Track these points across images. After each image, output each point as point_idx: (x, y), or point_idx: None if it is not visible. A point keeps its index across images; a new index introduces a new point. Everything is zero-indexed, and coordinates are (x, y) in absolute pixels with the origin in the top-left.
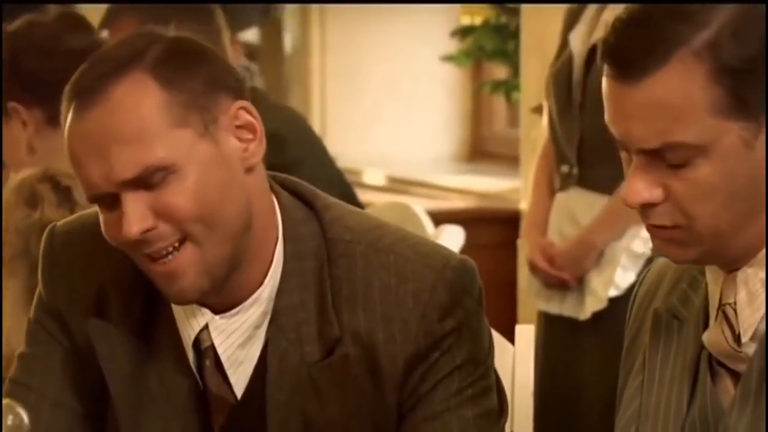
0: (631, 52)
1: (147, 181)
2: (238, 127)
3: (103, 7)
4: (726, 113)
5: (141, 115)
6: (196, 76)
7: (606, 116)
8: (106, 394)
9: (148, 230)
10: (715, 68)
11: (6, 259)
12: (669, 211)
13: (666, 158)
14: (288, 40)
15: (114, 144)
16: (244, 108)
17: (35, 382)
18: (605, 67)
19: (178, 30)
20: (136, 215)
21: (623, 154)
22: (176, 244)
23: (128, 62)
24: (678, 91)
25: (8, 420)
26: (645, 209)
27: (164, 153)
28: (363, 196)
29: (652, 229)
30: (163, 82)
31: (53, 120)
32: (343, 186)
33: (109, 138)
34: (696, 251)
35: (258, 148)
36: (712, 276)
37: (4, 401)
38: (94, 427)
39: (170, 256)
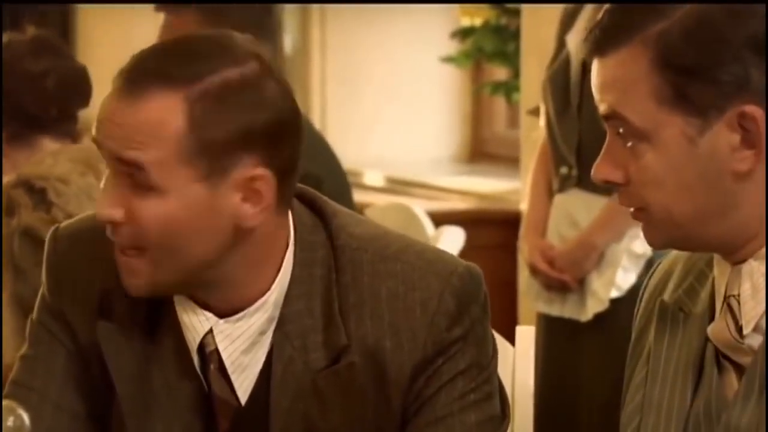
0: (601, 32)
1: (132, 175)
2: (248, 189)
3: (105, 8)
4: (668, 104)
5: (158, 134)
6: (227, 127)
7: None
8: (109, 395)
9: (113, 222)
10: (658, 58)
11: None
12: (631, 194)
13: (622, 137)
14: (288, 41)
15: (130, 129)
16: (263, 179)
17: (37, 384)
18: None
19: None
20: (112, 200)
21: None
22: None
23: (176, 82)
24: (627, 72)
25: (9, 421)
26: (616, 190)
27: (156, 172)
28: (363, 197)
29: (633, 213)
30: (191, 120)
31: (14, 138)
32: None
33: (129, 122)
34: (662, 235)
35: (257, 217)
36: (720, 269)
37: (6, 403)
38: (96, 429)
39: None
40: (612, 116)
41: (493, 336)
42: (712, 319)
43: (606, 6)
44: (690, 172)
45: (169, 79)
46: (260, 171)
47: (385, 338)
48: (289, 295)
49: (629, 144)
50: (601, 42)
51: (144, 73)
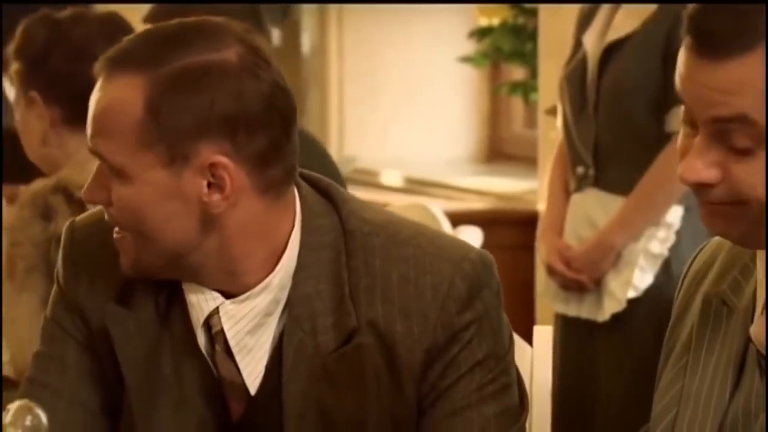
0: (715, 34)
1: (103, 160)
2: (212, 176)
3: (118, 7)
4: None
5: (117, 120)
6: (186, 112)
7: (678, 84)
8: (120, 387)
9: (97, 203)
10: None
11: (20, 273)
12: (724, 192)
13: (732, 138)
14: (306, 42)
15: (97, 115)
16: (224, 167)
17: (51, 380)
18: (686, 40)
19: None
20: (94, 183)
21: (685, 130)
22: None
23: (140, 67)
24: (760, 78)
25: (27, 420)
26: (698, 188)
27: (117, 159)
28: (381, 197)
29: (706, 203)
30: (149, 106)
31: (70, 121)
32: None
33: (98, 108)
34: (744, 229)
35: (221, 204)
36: (762, 265)
37: (23, 402)
38: (111, 422)
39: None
40: (733, 119)
41: (508, 325)
42: (754, 315)
43: (705, 7)
44: None
45: (134, 65)
46: (221, 159)
47: (395, 322)
48: (297, 279)
49: (742, 146)
50: (716, 47)
51: (117, 59)
